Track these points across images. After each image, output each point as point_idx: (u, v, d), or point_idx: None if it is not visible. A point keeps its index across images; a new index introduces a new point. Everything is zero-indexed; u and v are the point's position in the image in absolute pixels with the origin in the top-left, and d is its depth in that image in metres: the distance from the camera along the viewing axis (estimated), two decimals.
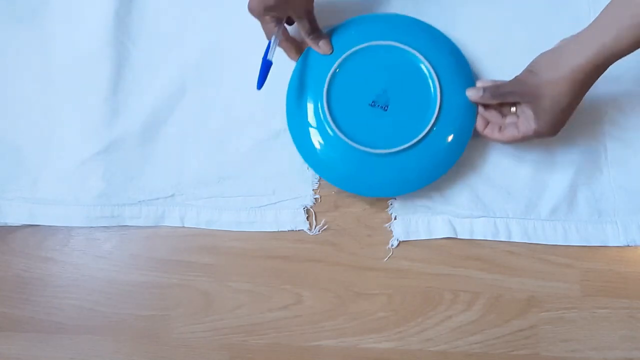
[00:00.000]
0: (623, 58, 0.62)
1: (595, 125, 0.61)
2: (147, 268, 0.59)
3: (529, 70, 0.53)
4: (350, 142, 0.55)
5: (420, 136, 0.56)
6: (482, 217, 0.59)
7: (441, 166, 0.57)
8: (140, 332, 0.58)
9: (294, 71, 0.60)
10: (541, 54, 0.53)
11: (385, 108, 0.57)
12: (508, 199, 0.59)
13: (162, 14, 0.65)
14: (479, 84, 0.57)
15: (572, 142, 0.60)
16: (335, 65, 0.57)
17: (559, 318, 0.57)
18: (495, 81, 0.57)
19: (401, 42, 0.57)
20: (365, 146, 0.55)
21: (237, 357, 0.57)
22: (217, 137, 0.62)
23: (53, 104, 0.63)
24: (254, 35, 0.64)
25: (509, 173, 0.60)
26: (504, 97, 0.55)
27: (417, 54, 0.57)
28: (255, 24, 0.65)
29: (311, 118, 0.58)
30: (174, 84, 0.63)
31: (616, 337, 0.57)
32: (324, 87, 0.57)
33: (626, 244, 0.58)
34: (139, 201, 0.60)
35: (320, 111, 0.57)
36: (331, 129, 0.56)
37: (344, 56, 0.57)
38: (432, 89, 0.57)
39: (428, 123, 0.56)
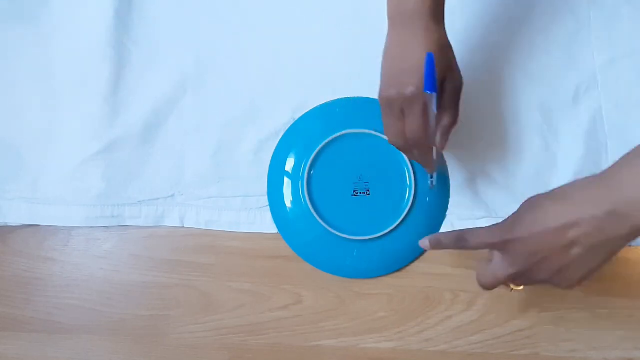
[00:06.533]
0: (622, 56, 0.63)
1: (597, 125, 0.61)
2: (147, 268, 0.59)
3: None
4: (333, 231, 0.57)
5: (400, 220, 0.57)
6: (484, 217, 0.59)
7: (417, 247, 0.58)
8: (140, 332, 0.58)
9: (275, 155, 0.61)
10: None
11: (367, 193, 0.58)
12: (510, 199, 0.59)
13: (162, 14, 0.65)
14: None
15: (573, 142, 0.60)
16: (315, 152, 0.58)
17: (559, 318, 0.57)
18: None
19: (373, 129, 0.58)
20: (346, 233, 0.57)
21: (237, 357, 0.57)
22: (217, 137, 0.62)
23: (53, 104, 0.63)
24: (254, 35, 0.64)
25: (511, 173, 0.60)
26: None
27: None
28: (254, 24, 0.65)
29: (292, 205, 0.59)
30: (174, 84, 0.63)
31: (616, 337, 0.56)
32: (304, 176, 0.58)
33: (628, 244, 0.58)
34: (139, 201, 0.60)
35: (302, 200, 0.58)
36: (315, 219, 0.57)
37: (322, 144, 0.58)
38: (406, 174, 0.58)
39: (405, 207, 0.57)
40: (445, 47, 0.48)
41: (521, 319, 0.57)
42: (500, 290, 0.57)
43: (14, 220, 0.61)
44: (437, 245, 0.47)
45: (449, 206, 0.59)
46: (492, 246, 0.45)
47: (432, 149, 0.51)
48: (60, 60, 0.64)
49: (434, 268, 0.59)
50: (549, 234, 0.41)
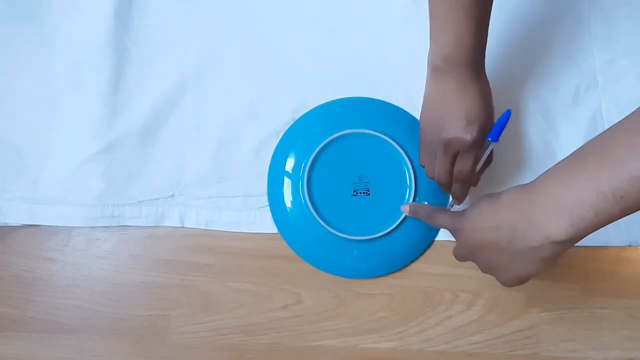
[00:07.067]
0: (622, 56, 0.63)
1: (597, 125, 0.61)
2: (147, 268, 0.59)
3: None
4: (333, 231, 0.57)
5: (400, 220, 0.57)
6: None
7: (417, 247, 0.59)
8: (140, 332, 0.58)
9: (274, 156, 0.61)
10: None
11: (367, 193, 0.58)
12: None
13: (162, 14, 0.65)
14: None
15: (573, 142, 0.60)
16: (315, 152, 0.58)
17: (559, 318, 0.57)
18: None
19: (373, 129, 0.58)
20: (346, 233, 0.57)
21: (237, 357, 0.57)
22: (217, 137, 0.62)
23: (53, 104, 0.63)
24: (253, 35, 0.64)
25: (511, 172, 0.60)
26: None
27: (391, 141, 0.58)
28: (254, 24, 0.65)
29: (292, 205, 0.59)
30: (174, 84, 0.63)
31: (616, 337, 0.57)
32: (304, 176, 0.58)
33: (629, 244, 0.58)
34: (139, 201, 0.60)
35: (302, 200, 0.58)
36: (315, 219, 0.57)
37: (322, 144, 0.58)
38: (406, 174, 0.58)
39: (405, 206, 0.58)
40: (490, 94, 0.52)
41: (521, 319, 0.57)
42: (501, 290, 0.58)
43: (14, 220, 0.61)
44: (414, 214, 0.56)
45: (448, 206, 0.59)
46: (448, 230, 0.51)
47: (470, 186, 0.55)
48: (60, 60, 0.64)
49: (434, 268, 0.59)
50: (477, 231, 0.45)
